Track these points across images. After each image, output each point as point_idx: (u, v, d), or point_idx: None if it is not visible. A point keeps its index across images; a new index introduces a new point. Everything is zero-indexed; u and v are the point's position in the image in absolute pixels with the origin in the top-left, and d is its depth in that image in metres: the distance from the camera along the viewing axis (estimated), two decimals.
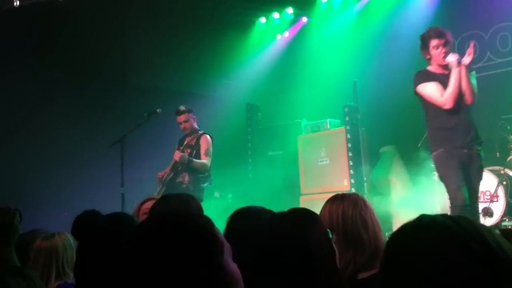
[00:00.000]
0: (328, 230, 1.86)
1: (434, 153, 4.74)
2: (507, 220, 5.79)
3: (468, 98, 4.61)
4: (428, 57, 4.73)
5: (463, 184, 4.49)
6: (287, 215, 1.84)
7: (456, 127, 4.64)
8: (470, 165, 4.62)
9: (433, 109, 4.72)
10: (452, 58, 4.57)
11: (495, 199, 5.68)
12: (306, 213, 1.85)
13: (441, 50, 4.63)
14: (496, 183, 5.88)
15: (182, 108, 6.27)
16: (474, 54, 4.72)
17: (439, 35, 4.63)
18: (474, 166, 4.63)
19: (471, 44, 4.66)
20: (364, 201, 2.47)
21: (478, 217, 4.87)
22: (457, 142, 4.61)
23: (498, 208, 5.75)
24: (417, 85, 4.72)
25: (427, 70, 4.79)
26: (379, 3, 8.42)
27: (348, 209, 2.37)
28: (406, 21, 7.77)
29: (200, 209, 2.75)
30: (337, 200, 2.45)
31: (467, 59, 4.54)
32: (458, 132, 4.63)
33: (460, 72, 4.55)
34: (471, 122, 4.70)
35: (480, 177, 4.67)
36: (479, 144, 4.70)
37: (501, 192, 5.87)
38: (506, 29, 7.33)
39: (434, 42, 4.64)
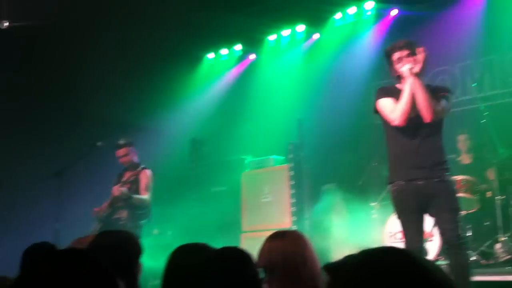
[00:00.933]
0: (261, 269, 1.86)
1: (389, 186, 4.10)
2: (442, 259, 5.92)
3: (424, 114, 3.91)
4: (395, 74, 4.09)
5: (420, 233, 3.92)
6: (220, 255, 1.83)
7: (415, 151, 3.96)
8: (435, 198, 3.88)
9: (390, 130, 4.09)
10: (405, 68, 3.97)
11: (430, 239, 5.77)
12: (238, 253, 1.85)
13: (404, 63, 3.99)
14: (432, 222, 6.01)
15: (122, 142, 6.11)
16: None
17: (402, 46, 4.03)
18: (441, 197, 3.88)
19: (421, 50, 4.04)
20: (304, 239, 2.48)
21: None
22: (415, 171, 3.93)
23: (434, 247, 5.86)
24: (375, 103, 4.15)
25: (392, 86, 4.20)
26: (326, 43, 8.64)
27: (289, 246, 2.38)
28: (352, 61, 8.01)
29: (139, 247, 2.66)
30: (278, 237, 2.46)
31: (416, 67, 3.95)
32: (417, 158, 3.95)
33: (414, 83, 3.92)
34: (434, 144, 3.99)
35: (450, 205, 3.88)
36: (446, 170, 3.97)
37: (436, 231, 6.00)
38: (444, 73, 7.65)
39: (396, 56, 4.04)
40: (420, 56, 3.99)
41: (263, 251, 2.42)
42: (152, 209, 6.12)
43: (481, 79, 7.42)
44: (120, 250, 2.23)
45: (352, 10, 8.27)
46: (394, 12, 7.98)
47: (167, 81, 8.88)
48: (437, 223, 3.98)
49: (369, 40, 8.11)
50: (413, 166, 3.93)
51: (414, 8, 7.42)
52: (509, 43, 6.86)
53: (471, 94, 7.17)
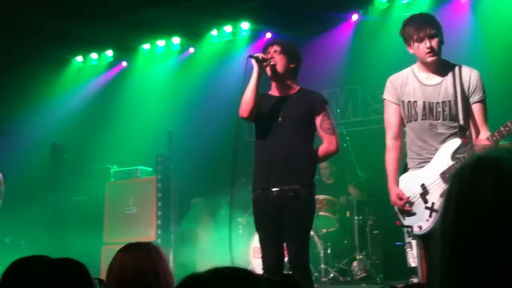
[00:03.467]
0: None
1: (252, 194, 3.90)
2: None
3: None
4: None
5: (276, 248, 3.75)
6: (54, 267, 1.74)
7: (269, 157, 3.78)
8: (286, 213, 3.68)
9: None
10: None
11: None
12: (72, 265, 1.78)
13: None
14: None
15: None
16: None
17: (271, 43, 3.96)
18: (292, 215, 3.67)
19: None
20: (158, 251, 2.43)
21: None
22: (269, 179, 3.75)
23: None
24: None
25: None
26: (201, 57, 8.65)
27: (141, 259, 2.31)
28: (225, 77, 8.08)
29: None
30: (130, 249, 2.41)
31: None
32: (270, 164, 3.76)
33: (254, 73, 3.84)
34: (293, 150, 3.75)
35: (299, 226, 3.71)
36: (304, 182, 3.73)
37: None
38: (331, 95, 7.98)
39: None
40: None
41: (114, 263, 2.35)
42: (5, 216, 5.62)
43: (345, 106, 7.90)
44: None
45: (228, 28, 8.38)
46: (268, 35, 8.23)
47: (29, 83, 8.28)
48: (285, 240, 3.76)
49: (243, 59, 8.25)
50: (267, 172, 3.76)
51: (288, 33, 7.70)
52: (372, 76, 7.36)
53: (336, 119, 7.56)
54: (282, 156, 3.72)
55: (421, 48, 3.33)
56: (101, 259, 6.82)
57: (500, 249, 0.77)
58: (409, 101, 3.44)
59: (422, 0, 7.34)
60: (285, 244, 3.78)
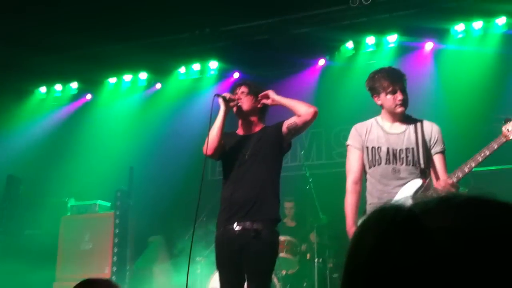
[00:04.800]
0: None
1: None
2: None
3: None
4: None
5: (232, 286, 3.66)
6: None
7: (232, 192, 3.76)
8: (247, 252, 3.61)
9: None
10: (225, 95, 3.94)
11: None
12: None
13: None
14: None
15: None
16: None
17: (239, 83, 4.06)
18: (252, 254, 3.61)
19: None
20: None
21: None
22: (231, 216, 3.70)
23: None
24: None
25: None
26: (167, 94, 8.61)
27: None
28: (191, 115, 8.04)
29: None
30: (87, 285, 2.29)
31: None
32: (230, 203, 3.74)
33: (220, 112, 3.90)
34: (256, 185, 3.72)
35: (260, 266, 3.63)
36: (267, 220, 3.68)
37: None
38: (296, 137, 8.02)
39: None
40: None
41: None
42: None
43: (309, 148, 7.94)
44: None
45: (196, 66, 8.40)
46: (236, 74, 8.29)
47: None
48: (246, 280, 3.69)
49: (210, 97, 8.25)
50: (230, 211, 3.71)
51: (255, 73, 7.76)
52: (336, 120, 7.45)
53: (300, 161, 7.59)
54: (245, 195, 3.69)
55: (392, 99, 3.53)
56: None
57: None
58: (373, 147, 3.60)
59: (387, 49, 7.53)
60: (245, 285, 3.71)
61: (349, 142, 3.74)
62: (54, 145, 8.62)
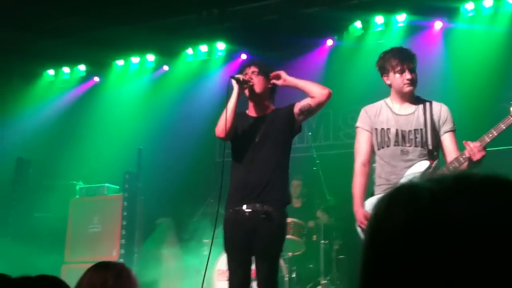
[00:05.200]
0: None
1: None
2: None
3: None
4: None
5: (239, 268, 3.67)
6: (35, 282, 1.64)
7: (244, 175, 3.76)
8: (257, 236, 3.63)
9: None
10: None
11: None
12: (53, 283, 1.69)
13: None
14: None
15: None
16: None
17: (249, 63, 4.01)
18: (262, 238, 3.62)
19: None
20: (128, 273, 2.37)
21: None
22: (242, 199, 3.70)
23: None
24: None
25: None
26: (175, 76, 8.56)
27: (110, 279, 2.27)
28: (199, 97, 8.02)
29: None
30: (101, 268, 2.33)
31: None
32: (245, 182, 3.74)
33: (232, 95, 3.86)
34: (268, 168, 3.72)
35: (270, 251, 3.66)
36: (278, 203, 3.69)
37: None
38: None
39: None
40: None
41: (82, 280, 2.29)
42: None
43: (316, 130, 7.91)
44: None
45: (204, 48, 8.35)
46: (244, 56, 8.23)
47: None
48: (255, 263, 3.72)
49: (218, 79, 8.22)
50: (241, 193, 3.72)
51: (263, 55, 7.71)
52: (344, 101, 7.39)
53: (307, 142, 7.56)
54: (256, 178, 3.70)
55: (400, 78, 3.52)
56: (61, 278, 6.58)
57: (407, 284, 0.70)
58: (382, 129, 3.61)
59: (396, 28, 7.44)
60: (253, 266, 3.72)
61: (358, 124, 3.75)
62: (62, 128, 8.65)
